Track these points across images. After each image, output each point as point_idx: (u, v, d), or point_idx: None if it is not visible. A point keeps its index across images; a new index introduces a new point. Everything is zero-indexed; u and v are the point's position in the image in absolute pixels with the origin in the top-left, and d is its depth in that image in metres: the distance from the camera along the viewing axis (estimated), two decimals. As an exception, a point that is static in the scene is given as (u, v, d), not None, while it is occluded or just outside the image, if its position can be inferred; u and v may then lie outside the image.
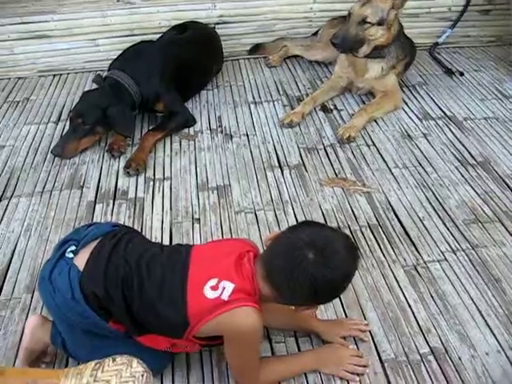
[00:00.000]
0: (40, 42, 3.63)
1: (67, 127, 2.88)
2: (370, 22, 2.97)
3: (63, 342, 1.68)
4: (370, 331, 1.87)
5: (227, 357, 1.62)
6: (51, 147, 2.84)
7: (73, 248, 1.63)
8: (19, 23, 3.56)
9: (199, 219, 2.38)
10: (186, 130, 3.02)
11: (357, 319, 1.91)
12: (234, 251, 1.58)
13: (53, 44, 3.65)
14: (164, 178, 2.65)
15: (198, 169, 2.71)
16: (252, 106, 3.27)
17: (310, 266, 1.42)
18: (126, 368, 1.29)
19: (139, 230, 2.31)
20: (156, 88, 2.99)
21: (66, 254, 1.61)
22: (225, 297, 1.47)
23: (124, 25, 3.66)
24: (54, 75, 3.71)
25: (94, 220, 2.38)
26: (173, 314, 1.51)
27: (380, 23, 2.98)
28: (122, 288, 1.54)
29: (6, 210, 2.46)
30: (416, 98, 3.35)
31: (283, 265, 1.46)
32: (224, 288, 1.48)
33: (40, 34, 3.61)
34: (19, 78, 3.67)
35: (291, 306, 1.67)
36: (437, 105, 3.26)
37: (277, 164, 2.74)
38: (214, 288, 1.49)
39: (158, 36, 3.49)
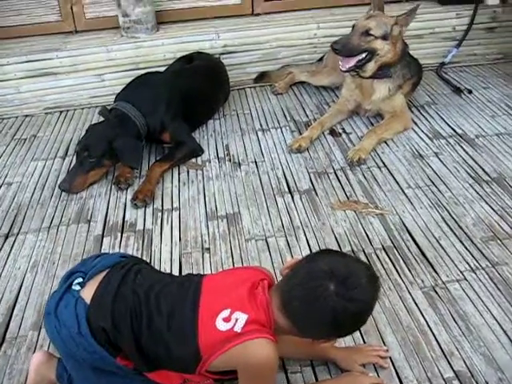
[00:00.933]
0: (46, 79, 3.65)
1: (74, 162, 2.85)
2: (373, 35, 2.97)
3: (69, 380, 1.62)
4: (390, 357, 1.79)
5: None
6: (58, 182, 2.81)
7: (80, 280, 1.57)
8: (25, 62, 3.59)
9: (209, 249, 2.33)
10: (193, 160, 2.99)
11: (376, 345, 1.83)
12: (248, 280, 1.52)
13: (58, 81, 3.67)
14: (172, 209, 2.61)
15: (206, 198, 2.67)
16: (259, 134, 3.24)
17: (330, 298, 1.37)
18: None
19: (148, 261, 2.25)
20: (162, 119, 2.97)
21: (73, 287, 1.55)
22: (238, 329, 1.41)
23: (129, 59, 3.68)
24: (61, 112, 3.71)
25: (102, 253, 2.33)
26: (184, 348, 1.45)
27: (384, 37, 2.98)
28: (131, 320, 1.48)
29: (12, 246, 2.41)
30: (425, 117, 3.31)
31: (302, 296, 1.41)
32: (237, 319, 1.42)
33: (46, 72, 3.63)
34: (26, 116, 3.68)
35: (308, 338, 1.58)
36: (447, 123, 3.21)
37: (287, 190, 2.69)
38: (227, 320, 1.43)
39: (163, 68, 3.49)
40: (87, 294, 1.52)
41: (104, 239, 2.43)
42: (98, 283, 1.54)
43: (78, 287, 1.55)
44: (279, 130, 3.27)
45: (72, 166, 2.87)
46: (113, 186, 2.80)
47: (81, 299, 1.52)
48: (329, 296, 1.37)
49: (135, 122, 2.88)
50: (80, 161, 2.77)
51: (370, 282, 1.44)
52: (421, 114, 3.36)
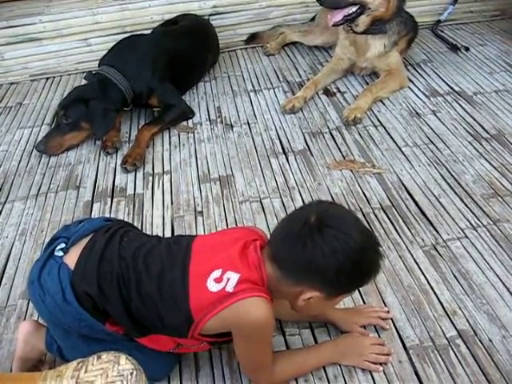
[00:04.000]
0: (30, 45, 3.52)
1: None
2: None
3: (59, 349, 1.56)
4: (391, 318, 1.74)
5: (237, 354, 1.49)
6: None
7: (62, 246, 1.49)
8: (6, 27, 3.45)
9: (202, 212, 2.26)
10: (184, 123, 2.90)
11: (376, 306, 1.78)
12: (239, 240, 1.44)
13: (43, 47, 3.54)
14: (163, 173, 2.53)
15: (198, 161, 2.59)
16: (252, 95, 3.15)
17: (315, 233, 1.29)
18: (113, 366, 1.15)
19: (139, 226, 2.19)
20: (148, 82, 2.87)
21: (55, 253, 1.47)
22: (229, 288, 1.33)
23: (115, 22, 3.55)
24: (47, 78, 3.60)
25: (92, 220, 2.26)
26: (175, 311, 1.38)
27: None
28: (119, 285, 1.41)
29: (-1, 215, 2.35)
30: (422, 75, 3.22)
31: (286, 236, 1.35)
32: (228, 279, 1.34)
33: (29, 38, 3.49)
34: (11, 84, 3.56)
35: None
36: (444, 81, 3.12)
37: (281, 150, 2.61)
38: (218, 280, 1.35)
39: (150, 31, 3.38)
40: (71, 259, 1.45)
41: (94, 205, 2.36)
42: (81, 248, 1.47)
43: (60, 253, 1.47)
44: (272, 90, 3.18)
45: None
46: (101, 152, 2.71)
47: (64, 265, 1.44)
48: (307, 235, 1.29)
49: (119, 87, 2.78)
50: (58, 123, 2.72)
51: (358, 223, 1.38)
52: (417, 72, 3.27)
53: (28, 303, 1.88)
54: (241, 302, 1.33)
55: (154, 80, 2.89)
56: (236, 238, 1.45)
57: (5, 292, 1.94)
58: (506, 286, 1.81)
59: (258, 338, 1.41)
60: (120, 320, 1.44)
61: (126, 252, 1.45)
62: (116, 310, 1.42)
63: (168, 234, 2.15)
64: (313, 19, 3.65)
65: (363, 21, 2.96)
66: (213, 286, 1.35)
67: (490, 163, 2.41)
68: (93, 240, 1.49)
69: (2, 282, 1.99)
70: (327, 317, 1.72)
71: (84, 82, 2.97)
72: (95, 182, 2.51)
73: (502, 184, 2.28)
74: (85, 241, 1.49)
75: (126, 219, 2.24)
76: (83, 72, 3.50)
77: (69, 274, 1.43)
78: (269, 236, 1.46)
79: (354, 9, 2.91)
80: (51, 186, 2.50)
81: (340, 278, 1.32)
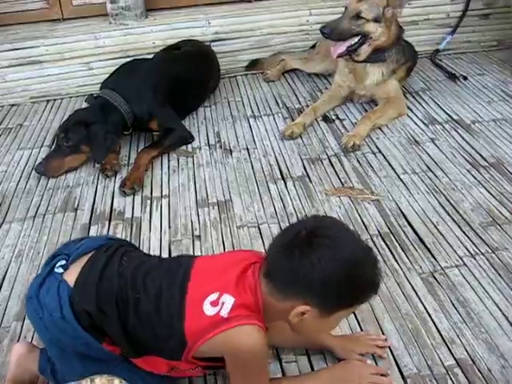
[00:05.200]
0: (32, 67, 3.54)
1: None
2: (364, 18, 2.91)
3: (53, 372, 1.54)
4: (388, 346, 1.72)
5: (231, 381, 1.45)
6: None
7: (63, 262, 1.48)
8: (10, 50, 3.48)
9: (199, 236, 2.25)
10: (183, 147, 2.91)
11: (374, 334, 1.76)
12: (239, 263, 1.42)
13: (45, 69, 3.56)
14: (162, 196, 2.53)
15: (197, 185, 2.59)
16: (251, 120, 3.16)
17: (304, 243, 1.29)
18: (107, 390, 1.13)
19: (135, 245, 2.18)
20: (149, 106, 2.89)
21: (55, 269, 1.47)
22: (224, 313, 1.32)
23: (117, 46, 3.58)
24: (48, 101, 3.61)
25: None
26: (169, 332, 1.37)
27: (376, 20, 2.91)
28: (117, 304, 1.40)
29: (-4, 236, 2.33)
30: (420, 103, 3.24)
31: (279, 248, 1.35)
32: (223, 303, 1.33)
33: (31, 60, 3.52)
34: (12, 105, 3.57)
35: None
36: (442, 109, 3.15)
37: (279, 176, 2.62)
38: (214, 303, 1.34)
39: (152, 56, 3.40)
40: (70, 276, 1.44)
41: (91, 228, 2.35)
42: (81, 266, 1.46)
43: (60, 270, 1.47)
44: (271, 116, 3.19)
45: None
46: (100, 175, 2.71)
47: (64, 282, 1.43)
48: (296, 245, 1.29)
49: (119, 110, 2.80)
50: (58, 145, 2.73)
51: (348, 236, 1.36)
52: (416, 100, 3.29)
53: (22, 325, 1.86)
54: (234, 329, 1.31)
55: (154, 104, 2.91)
56: (236, 261, 1.44)
57: (-1, 313, 1.93)
58: (504, 315, 1.80)
59: (249, 366, 1.38)
60: (116, 339, 1.42)
61: (126, 271, 1.45)
62: (113, 329, 1.40)
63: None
64: (313, 47, 3.69)
65: (365, 50, 3.00)
66: (208, 310, 1.33)
67: (489, 191, 2.41)
68: (93, 258, 1.48)
69: (-3, 304, 1.97)
70: (324, 343, 1.69)
71: (85, 104, 2.99)
72: (93, 204, 2.51)
73: (500, 212, 2.28)
74: (85, 258, 1.48)
75: (123, 242, 2.23)
76: (84, 95, 3.51)
77: (68, 291, 1.42)
78: None
79: (356, 39, 2.96)
80: (49, 208, 2.50)
81: (328, 290, 1.28)
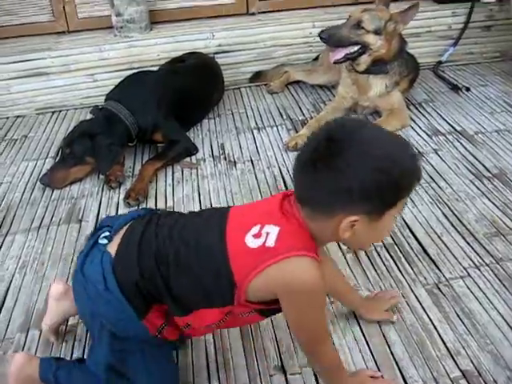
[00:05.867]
0: (37, 79, 3.57)
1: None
2: (364, 28, 2.93)
3: (55, 376, 1.54)
4: (393, 356, 1.72)
5: (290, 325, 1.43)
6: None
7: (106, 234, 1.47)
8: (16, 62, 3.50)
9: (204, 247, 2.25)
10: (187, 159, 2.92)
11: (389, 290, 1.96)
12: (275, 198, 1.37)
13: (50, 81, 3.59)
14: (166, 207, 2.54)
15: (201, 196, 2.60)
16: (255, 132, 3.17)
17: (324, 153, 1.18)
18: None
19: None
20: (153, 118, 2.90)
21: (100, 241, 1.46)
22: (270, 243, 1.25)
23: (122, 58, 3.60)
24: (53, 112, 3.64)
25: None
26: (216, 276, 1.31)
27: (377, 32, 2.93)
28: (158, 264, 1.36)
29: (0, 247, 2.33)
30: (423, 115, 3.25)
31: (301, 169, 1.25)
32: (268, 233, 1.26)
33: (37, 72, 3.55)
34: (17, 117, 3.60)
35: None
36: (445, 120, 3.16)
37: (284, 188, 2.62)
38: (257, 235, 1.27)
39: (157, 68, 3.43)
40: (113, 247, 1.43)
41: (96, 239, 2.36)
42: (122, 236, 1.46)
43: (104, 241, 1.45)
44: (275, 128, 3.21)
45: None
46: (105, 186, 2.72)
47: (107, 253, 1.42)
48: (317, 158, 1.19)
49: (124, 122, 2.81)
50: (63, 156, 2.74)
51: (366, 129, 1.26)
52: (419, 111, 3.30)
53: (26, 336, 1.86)
54: (285, 261, 1.24)
55: (159, 116, 2.92)
56: (271, 198, 1.40)
57: (3, 325, 1.92)
58: (510, 326, 1.80)
59: (307, 303, 1.30)
60: (164, 299, 1.39)
61: (162, 230, 1.42)
62: (159, 290, 1.38)
63: (169, 269, 2.14)
64: (316, 58, 3.71)
65: (365, 60, 3.01)
66: (251, 242, 1.28)
67: (493, 202, 2.41)
68: (131, 226, 1.47)
69: (1, 315, 1.97)
70: (353, 303, 1.84)
71: (90, 116, 3.01)
72: (97, 216, 2.52)
73: (504, 223, 2.28)
74: (124, 229, 1.48)
75: (127, 253, 2.23)
76: (89, 107, 3.53)
77: (111, 261, 1.40)
78: None
79: (355, 48, 2.98)
80: (53, 219, 2.50)
81: (368, 193, 1.18)
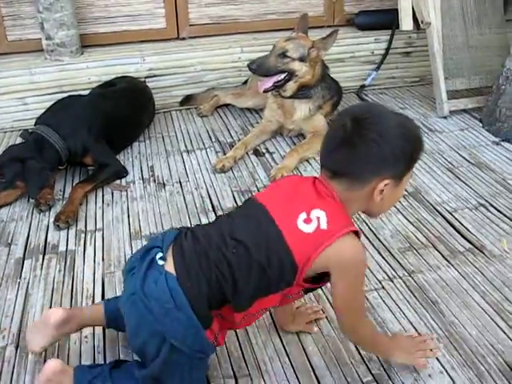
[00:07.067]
0: (-35, 103, 3.56)
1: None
2: (290, 57, 3.09)
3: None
4: (311, 364, 1.83)
5: (338, 300, 1.57)
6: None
7: (160, 255, 1.53)
8: None
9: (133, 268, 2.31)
10: (117, 181, 2.98)
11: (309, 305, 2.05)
12: (303, 181, 1.58)
13: (-21, 104, 3.58)
14: (96, 230, 2.58)
15: (130, 218, 2.66)
16: (184, 155, 3.27)
17: (357, 129, 1.44)
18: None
19: (70, 283, 2.24)
20: (83, 142, 2.95)
21: (158, 262, 1.51)
22: (323, 226, 1.44)
23: (53, 82, 3.63)
24: (-18, 136, 3.62)
25: (23, 276, 2.28)
26: (280, 266, 1.46)
27: (301, 59, 3.10)
28: (221, 271, 1.47)
29: None
30: (346, 136, 3.41)
31: (335, 147, 1.49)
32: (318, 217, 1.45)
33: (-35, 95, 3.53)
34: None
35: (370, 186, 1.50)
36: (366, 142, 3.32)
37: (211, 208, 2.72)
38: (307, 221, 1.45)
39: (88, 92, 3.47)
40: (170, 267, 1.49)
41: (25, 262, 2.38)
42: (172, 255, 1.52)
43: (161, 262, 1.51)
44: (204, 151, 3.31)
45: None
46: (35, 209, 2.74)
47: (169, 274, 1.48)
48: (352, 134, 1.44)
49: (54, 146, 2.85)
50: None
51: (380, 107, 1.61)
52: (342, 133, 3.46)
53: None
54: (339, 240, 1.44)
55: (89, 140, 2.97)
56: (301, 185, 1.57)
57: None
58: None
59: (357, 275, 1.53)
60: (230, 301, 1.50)
61: (213, 239, 1.52)
62: (225, 295, 1.49)
63: (98, 290, 2.20)
64: (245, 82, 3.84)
65: (291, 87, 3.17)
66: (306, 228, 1.45)
67: (407, 218, 2.58)
68: (178, 245, 1.54)
69: None
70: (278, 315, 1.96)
71: (20, 140, 3.02)
72: (27, 239, 2.54)
73: (417, 238, 2.45)
74: (171, 249, 1.54)
75: (57, 276, 2.27)
76: (19, 130, 3.55)
77: (176, 281, 1.47)
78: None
79: (282, 76, 3.13)
80: (-19, 244, 2.51)
81: (398, 157, 1.44)
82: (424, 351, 1.79)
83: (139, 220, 2.64)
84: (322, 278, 1.56)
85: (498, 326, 1.97)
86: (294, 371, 1.81)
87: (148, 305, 1.47)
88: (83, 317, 1.83)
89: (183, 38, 4.06)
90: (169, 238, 1.58)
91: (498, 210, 2.63)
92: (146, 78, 3.77)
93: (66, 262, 2.37)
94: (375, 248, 2.39)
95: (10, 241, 2.53)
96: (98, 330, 1.98)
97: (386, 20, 4.04)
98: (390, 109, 1.65)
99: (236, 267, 1.47)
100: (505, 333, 1.94)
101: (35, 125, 3.04)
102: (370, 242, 2.43)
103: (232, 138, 3.46)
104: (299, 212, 1.47)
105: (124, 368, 1.67)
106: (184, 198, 2.81)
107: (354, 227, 1.49)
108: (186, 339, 1.49)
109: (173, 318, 1.46)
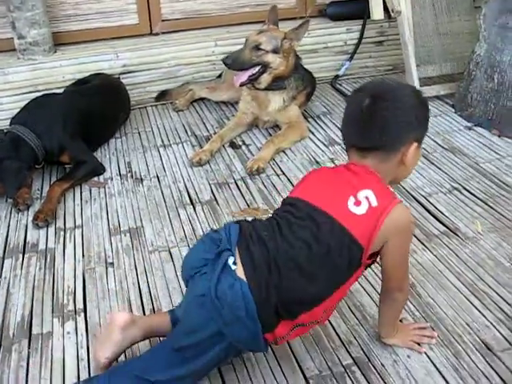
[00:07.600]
0: None
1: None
2: (263, 49, 3.12)
3: None
4: (292, 350, 1.86)
5: (392, 266, 1.63)
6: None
7: (232, 259, 1.52)
8: None
9: (113, 263, 2.33)
10: (95, 178, 2.98)
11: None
12: (336, 170, 1.68)
13: (-48, 106, 3.55)
14: (75, 227, 2.59)
15: (109, 214, 2.67)
16: (161, 150, 3.28)
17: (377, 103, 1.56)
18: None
19: (51, 280, 2.25)
20: (59, 140, 2.95)
21: (231, 266, 1.51)
22: (374, 204, 1.52)
23: (27, 81, 3.60)
24: (-44, 138, 3.59)
25: (3, 276, 2.28)
26: (347, 253, 1.52)
27: (275, 51, 3.13)
28: (291, 274, 1.51)
29: None
30: (321, 126, 3.46)
31: (358, 124, 1.61)
32: (367, 197, 1.53)
33: None
34: None
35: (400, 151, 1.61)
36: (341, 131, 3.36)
37: (188, 201, 2.74)
38: (357, 203, 1.53)
39: (62, 90, 3.46)
40: (241, 272, 1.50)
41: (5, 261, 2.38)
42: (241, 260, 1.52)
43: (234, 267, 1.51)
44: (180, 145, 3.32)
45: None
46: (13, 209, 2.74)
47: (243, 281, 1.49)
48: (376, 108, 1.55)
49: (30, 145, 2.85)
50: None
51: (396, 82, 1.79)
52: (317, 123, 3.51)
53: None
54: (392, 209, 1.53)
55: (65, 138, 2.97)
56: (331, 172, 1.70)
57: None
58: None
59: (408, 238, 1.65)
60: (303, 307, 1.55)
61: (276, 243, 1.54)
62: (297, 300, 1.53)
63: (79, 286, 2.21)
64: (219, 76, 3.86)
65: (265, 79, 3.20)
66: (359, 210, 1.52)
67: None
68: (245, 246, 1.55)
69: None
70: None
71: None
72: (6, 238, 2.54)
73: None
74: (237, 252, 1.54)
75: (37, 274, 2.28)
76: (-6, 131, 3.53)
77: (248, 287, 1.48)
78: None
79: (257, 69, 3.16)
80: (-40, 245, 2.51)
81: (420, 120, 1.61)
82: (420, 337, 1.86)
83: (118, 216, 2.65)
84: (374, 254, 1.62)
85: (473, 305, 2.02)
86: (275, 357, 1.84)
87: (219, 308, 1.48)
88: (147, 322, 1.81)
89: (156, 34, 4.05)
90: (233, 237, 1.57)
91: (472, 193, 2.68)
92: (120, 74, 3.77)
93: (46, 260, 2.37)
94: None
95: (-12, 241, 2.53)
96: (81, 325, 2.00)
97: (357, 10, 4.07)
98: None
99: (306, 266, 1.51)
100: (480, 311, 1.99)
101: (10, 124, 3.02)
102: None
103: (208, 131, 3.48)
104: (347, 198, 1.54)
105: (120, 373, 1.66)
106: (162, 192, 2.83)
107: (399, 199, 1.59)
108: (247, 342, 1.55)
109: (242, 326, 1.49)
